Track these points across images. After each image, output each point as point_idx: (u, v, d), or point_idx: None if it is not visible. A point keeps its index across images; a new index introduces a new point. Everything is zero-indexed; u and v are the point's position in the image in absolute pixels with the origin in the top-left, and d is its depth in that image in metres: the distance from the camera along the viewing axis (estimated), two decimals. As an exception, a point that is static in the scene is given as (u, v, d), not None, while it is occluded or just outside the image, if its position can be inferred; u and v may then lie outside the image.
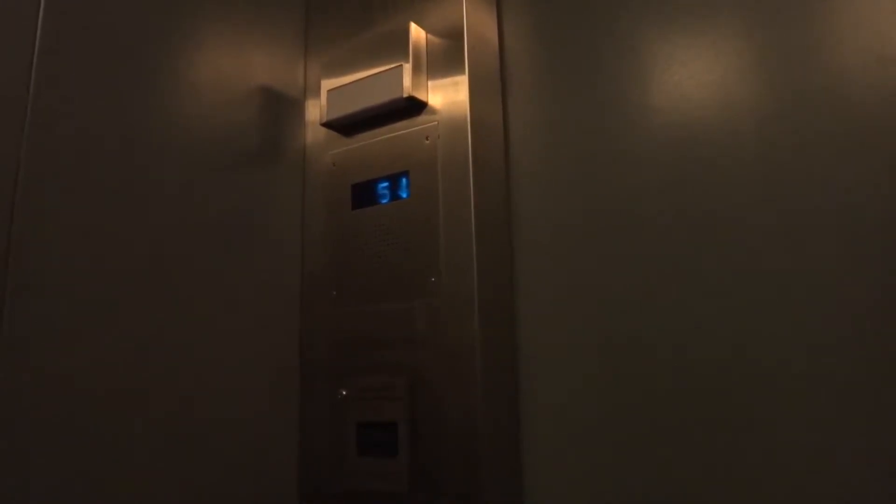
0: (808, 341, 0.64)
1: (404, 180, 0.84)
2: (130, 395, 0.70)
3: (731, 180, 0.70)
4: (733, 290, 0.68)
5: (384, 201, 0.85)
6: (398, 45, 0.85)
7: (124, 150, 0.74)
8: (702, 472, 0.67)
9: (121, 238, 0.72)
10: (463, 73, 0.82)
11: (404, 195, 0.83)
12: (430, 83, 0.85)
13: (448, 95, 0.82)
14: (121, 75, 0.75)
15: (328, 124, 0.91)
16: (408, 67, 0.83)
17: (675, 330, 0.71)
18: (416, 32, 0.85)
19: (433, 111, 0.83)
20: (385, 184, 0.86)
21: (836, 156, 0.65)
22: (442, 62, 0.84)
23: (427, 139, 0.83)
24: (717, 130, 0.72)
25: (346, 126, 0.91)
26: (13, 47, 0.66)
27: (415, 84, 0.83)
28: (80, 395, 0.66)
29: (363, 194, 0.88)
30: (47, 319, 0.65)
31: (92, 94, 0.72)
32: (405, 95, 0.82)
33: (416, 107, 0.84)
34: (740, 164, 0.70)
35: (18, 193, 0.64)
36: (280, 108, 0.95)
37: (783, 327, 0.65)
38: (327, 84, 0.91)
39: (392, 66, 0.84)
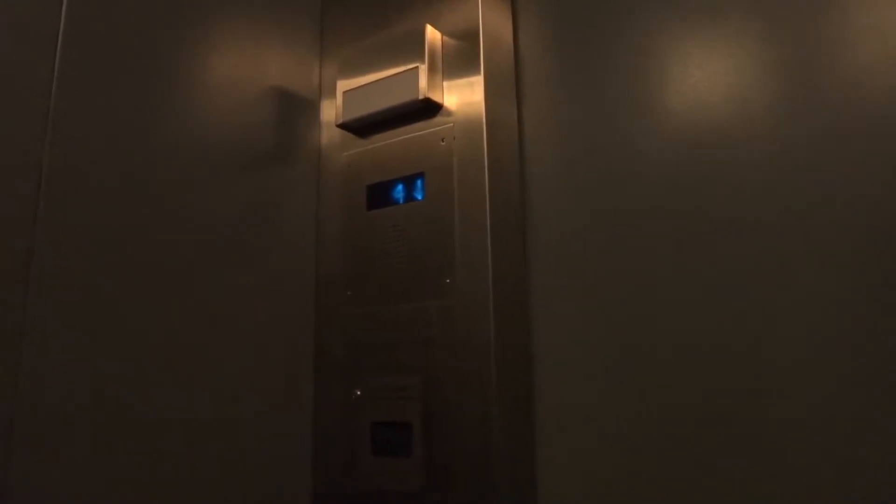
0: (822, 347, 0.63)
1: (419, 182, 0.84)
2: (145, 393, 0.71)
3: (746, 182, 0.70)
4: (748, 292, 0.68)
5: (399, 202, 0.86)
6: (414, 46, 0.85)
7: (140, 150, 0.75)
8: (715, 471, 0.67)
9: (135, 238, 0.73)
10: (478, 74, 0.82)
11: (419, 196, 0.84)
12: (445, 84, 0.85)
13: (463, 97, 0.83)
14: (137, 77, 0.76)
15: (344, 125, 0.91)
16: (423, 69, 0.83)
17: (689, 331, 0.71)
18: (432, 34, 0.85)
19: (448, 112, 0.84)
20: (400, 185, 0.86)
21: (852, 158, 0.65)
22: (457, 63, 0.84)
23: (442, 141, 0.83)
24: (732, 133, 0.72)
25: (361, 127, 0.91)
26: (36, 49, 0.67)
27: (430, 86, 0.83)
28: (97, 392, 0.67)
29: (378, 195, 0.88)
30: (67, 318, 0.66)
31: (109, 95, 0.73)
32: (421, 97, 0.83)
33: (431, 108, 0.84)
34: (756, 167, 0.70)
35: (41, 195, 0.65)
36: (295, 108, 0.95)
37: (800, 332, 0.65)
38: (343, 85, 0.92)
39: (408, 67, 0.85)
